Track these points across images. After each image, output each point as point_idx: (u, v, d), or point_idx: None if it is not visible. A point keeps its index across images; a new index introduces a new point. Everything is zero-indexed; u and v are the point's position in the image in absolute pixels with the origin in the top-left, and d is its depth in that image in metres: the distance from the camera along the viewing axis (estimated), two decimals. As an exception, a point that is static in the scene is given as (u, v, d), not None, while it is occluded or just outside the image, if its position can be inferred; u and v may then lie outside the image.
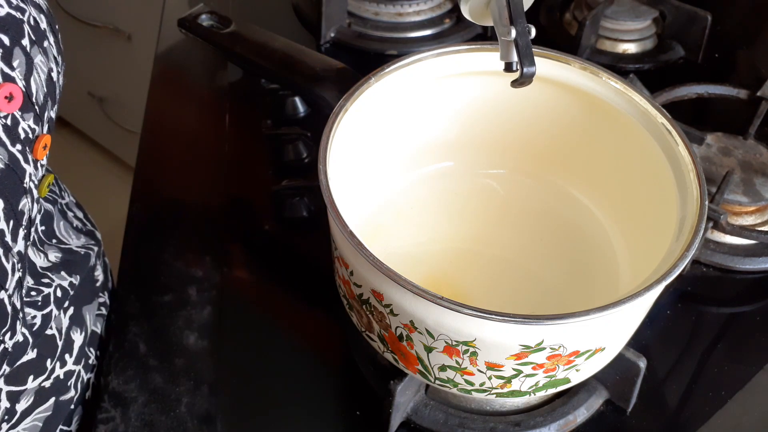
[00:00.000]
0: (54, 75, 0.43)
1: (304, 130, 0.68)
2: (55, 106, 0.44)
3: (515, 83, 0.42)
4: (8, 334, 0.42)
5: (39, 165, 0.42)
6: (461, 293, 0.52)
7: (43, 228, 0.50)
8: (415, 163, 0.58)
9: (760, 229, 0.62)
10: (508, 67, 0.42)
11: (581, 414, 0.51)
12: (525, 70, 0.41)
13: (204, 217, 0.64)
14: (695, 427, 0.51)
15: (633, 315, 0.43)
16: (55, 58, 0.43)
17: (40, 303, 0.47)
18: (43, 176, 0.44)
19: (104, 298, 0.58)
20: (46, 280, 0.49)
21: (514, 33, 0.40)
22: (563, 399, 0.51)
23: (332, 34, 0.81)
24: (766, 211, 0.63)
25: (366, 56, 0.80)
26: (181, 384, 0.52)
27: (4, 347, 0.43)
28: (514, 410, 0.51)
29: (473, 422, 0.50)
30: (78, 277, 0.52)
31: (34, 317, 0.47)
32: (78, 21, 1.46)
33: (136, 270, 0.60)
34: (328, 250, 0.49)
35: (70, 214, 0.55)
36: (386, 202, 0.57)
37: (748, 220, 0.63)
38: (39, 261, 0.49)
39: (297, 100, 0.72)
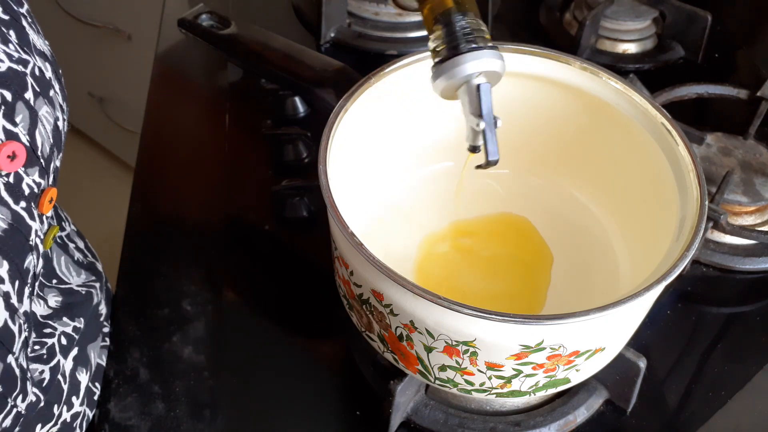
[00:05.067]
0: (60, 123, 0.41)
1: (304, 130, 0.68)
2: (60, 155, 0.42)
3: (480, 167, 0.44)
4: (20, 398, 0.41)
5: (44, 219, 0.41)
6: (462, 293, 0.52)
7: (41, 270, 0.48)
8: (416, 163, 0.58)
9: (759, 229, 0.62)
10: (473, 150, 0.44)
11: (581, 414, 0.51)
12: (489, 158, 0.43)
13: (204, 217, 0.64)
14: (695, 427, 0.51)
15: (633, 315, 0.43)
16: (60, 105, 0.41)
17: (45, 356, 0.46)
18: (49, 228, 0.43)
19: (108, 327, 0.56)
20: (48, 330, 0.47)
21: (482, 125, 0.42)
22: (563, 399, 0.51)
23: (332, 34, 0.81)
24: (765, 211, 0.63)
25: (366, 56, 0.80)
26: (181, 383, 0.52)
27: (17, 411, 0.41)
28: (514, 410, 0.51)
29: (473, 422, 0.50)
30: (82, 320, 0.50)
31: (42, 372, 0.45)
32: (78, 21, 1.46)
33: (137, 273, 0.60)
34: (328, 250, 0.49)
35: (71, 245, 0.53)
36: (386, 202, 0.57)
37: (748, 220, 0.63)
38: (39, 309, 0.47)
39: (297, 100, 0.72)
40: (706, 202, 0.43)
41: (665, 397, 0.53)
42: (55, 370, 0.46)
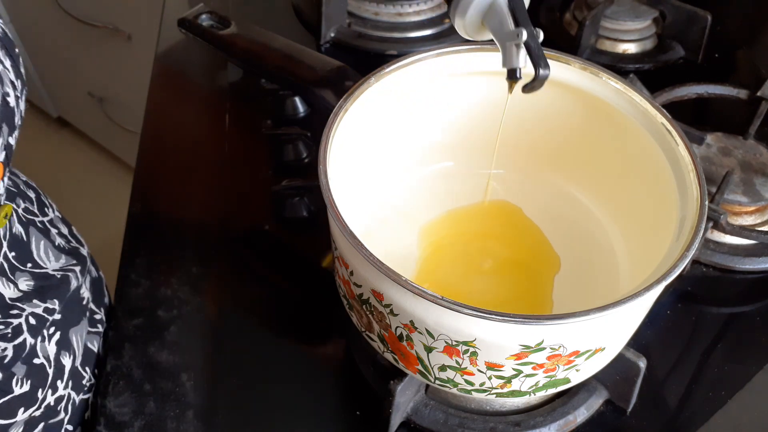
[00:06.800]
0: (11, 100, 0.41)
1: (304, 130, 0.68)
2: (15, 132, 0.42)
3: (527, 88, 0.40)
4: None
5: None
6: (462, 293, 0.52)
7: (13, 254, 0.48)
8: (416, 163, 0.58)
9: (759, 229, 0.62)
10: (513, 74, 0.41)
11: (581, 414, 0.51)
12: (541, 72, 0.39)
13: (204, 217, 0.64)
14: (695, 427, 0.51)
15: (633, 315, 0.43)
16: (12, 82, 0.42)
17: (10, 335, 0.46)
18: (1, 206, 0.43)
19: (100, 314, 0.56)
20: (15, 311, 0.47)
21: (525, 35, 0.39)
22: (563, 399, 0.51)
23: (332, 34, 0.81)
24: (765, 211, 0.64)
25: (366, 56, 0.80)
26: (181, 383, 0.52)
27: None
28: (514, 410, 0.51)
29: (473, 422, 0.50)
30: (56, 301, 0.50)
31: (4, 350, 0.45)
32: (78, 21, 1.46)
33: (137, 273, 0.60)
34: (328, 250, 0.49)
35: (53, 231, 0.53)
36: (386, 202, 0.57)
37: (747, 220, 0.63)
38: (8, 292, 0.47)
39: (297, 100, 0.72)
40: (706, 202, 0.43)
41: (665, 397, 0.53)
42: (19, 349, 0.47)
